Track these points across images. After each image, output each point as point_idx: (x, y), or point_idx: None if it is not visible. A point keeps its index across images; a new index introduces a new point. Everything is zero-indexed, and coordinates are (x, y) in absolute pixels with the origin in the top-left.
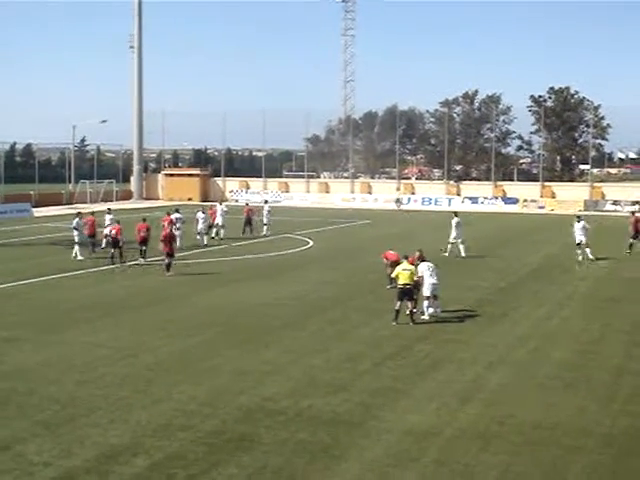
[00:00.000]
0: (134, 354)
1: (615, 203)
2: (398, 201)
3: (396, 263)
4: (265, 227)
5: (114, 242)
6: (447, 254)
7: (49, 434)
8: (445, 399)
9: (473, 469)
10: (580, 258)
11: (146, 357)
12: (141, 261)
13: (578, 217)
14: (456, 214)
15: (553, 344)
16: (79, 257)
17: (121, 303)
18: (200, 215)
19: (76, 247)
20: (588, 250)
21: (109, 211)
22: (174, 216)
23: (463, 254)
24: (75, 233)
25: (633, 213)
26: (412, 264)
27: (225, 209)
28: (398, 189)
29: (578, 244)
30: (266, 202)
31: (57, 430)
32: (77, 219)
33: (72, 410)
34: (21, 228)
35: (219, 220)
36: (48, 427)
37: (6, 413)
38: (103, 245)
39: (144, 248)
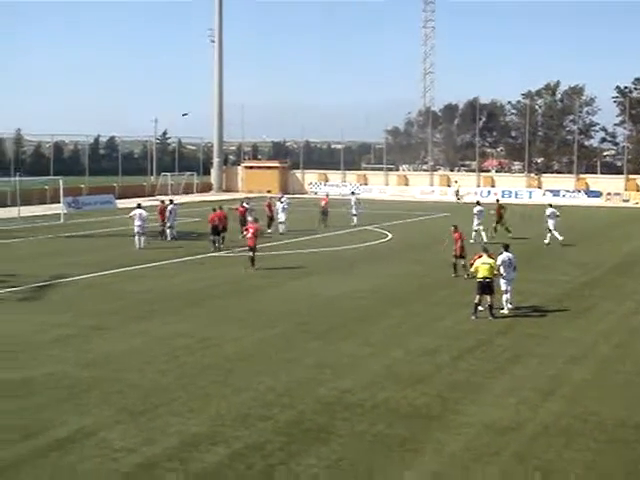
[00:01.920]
0: (214, 344)
1: None
2: (458, 193)
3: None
4: (355, 218)
5: (214, 229)
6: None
7: (132, 421)
8: (525, 394)
9: (555, 466)
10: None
11: (226, 348)
12: (222, 249)
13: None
14: (551, 205)
15: (638, 340)
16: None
17: (201, 294)
18: (279, 205)
19: (136, 238)
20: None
21: (170, 202)
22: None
23: (560, 238)
24: (137, 224)
25: None
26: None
27: (286, 205)
28: (456, 182)
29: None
30: (353, 193)
31: (139, 418)
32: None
33: (154, 398)
34: (105, 219)
35: (281, 216)
36: (131, 414)
37: (91, 400)
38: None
39: (219, 237)
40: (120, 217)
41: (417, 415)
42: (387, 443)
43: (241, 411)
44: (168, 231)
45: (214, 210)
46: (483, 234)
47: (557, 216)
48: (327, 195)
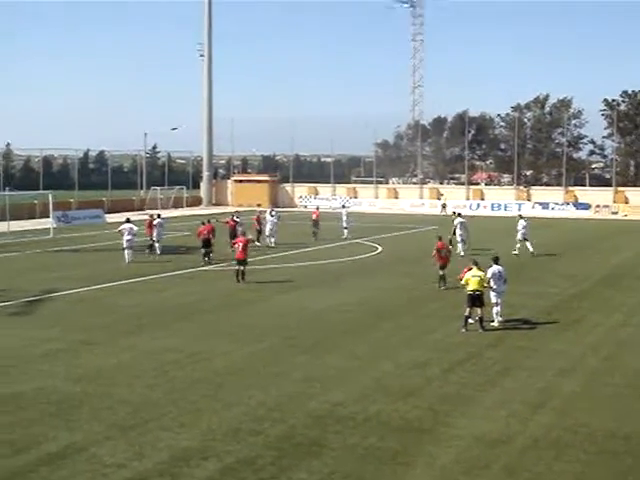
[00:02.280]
0: (203, 359)
1: None
2: (444, 207)
3: (439, 251)
4: (345, 231)
5: (205, 242)
6: (517, 252)
7: (122, 437)
8: (516, 407)
9: (545, 478)
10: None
11: (215, 362)
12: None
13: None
14: (521, 217)
15: (626, 352)
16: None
17: (190, 308)
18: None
19: (126, 252)
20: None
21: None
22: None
23: (530, 249)
24: (127, 238)
25: None
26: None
27: (276, 220)
28: (442, 195)
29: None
30: (344, 207)
31: (129, 433)
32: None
33: (144, 413)
34: (94, 234)
35: (269, 229)
36: (121, 430)
37: (81, 416)
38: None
39: (209, 250)
40: (109, 232)
41: (408, 428)
42: (379, 456)
43: (232, 425)
44: (157, 245)
45: (203, 224)
46: (460, 246)
47: (524, 227)
48: (317, 208)
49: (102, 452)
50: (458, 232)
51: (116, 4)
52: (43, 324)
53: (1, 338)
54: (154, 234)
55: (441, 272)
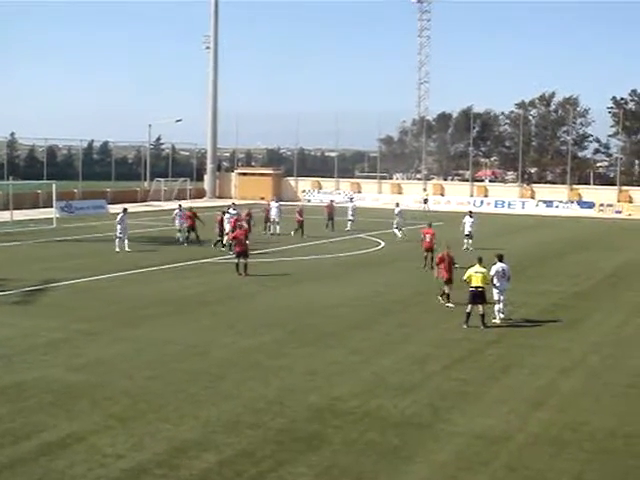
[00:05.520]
0: (204, 351)
1: None
2: (426, 202)
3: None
4: (349, 223)
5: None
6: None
7: (121, 427)
8: (516, 404)
9: (545, 476)
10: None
11: (216, 354)
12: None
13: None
14: (470, 213)
15: (628, 351)
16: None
17: (193, 300)
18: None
19: (116, 241)
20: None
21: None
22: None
23: (470, 248)
24: (118, 227)
25: None
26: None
27: (278, 205)
28: (425, 189)
29: (467, 235)
30: (351, 200)
31: (129, 423)
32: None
33: (143, 404)
34: (97, 224)
35: (274, 216)
36: (120, 420)
37: (81, 406)
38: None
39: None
40: (112, 222)
41: (408, 423)
42: (378, 451)
43: (231, 418)
44: (179, 235)
45: (224, 213)
46: (397, 232)
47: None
48: (331, 201)
49: (102, 442)
50: (467, 229)
51: None
52: (45, 314)
53: (2, 327)
54: (176, 224)
55: (429, 255)
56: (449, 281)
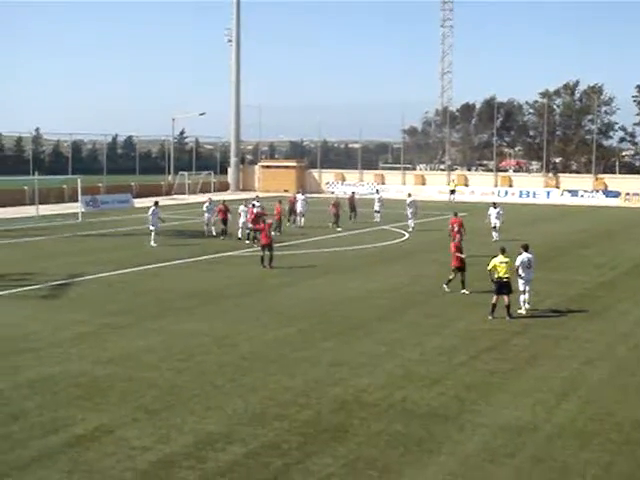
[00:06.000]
0: (230, 343)
1: None
2: (453, 192)
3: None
4: (377, 215)
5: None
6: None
7: (149, 419)
8: (542, 395)
9: (571, 467)
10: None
11: (242, 346)
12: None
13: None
14: (495, 205)
15: None
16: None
17: (218, 292)
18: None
19: (152, 235)
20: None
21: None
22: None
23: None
24: (151, 220)
25: None
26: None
27: (304, 198)
28: (453, 180)
29: (493, 227)
30: (377, 192)
31: (156, 416)
32: (153, 207)
33: (170, 397)
34: (122, 218)
35: (300, 208)
36: (147, 413)
37: (109, 398)
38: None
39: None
40: (137, 216)
41: (434, 415)
42: (404, 443)
43: (258, 410)
44: (206, 228)
45: (253, 206)
46: (410, 223)
47: (500, 214)
48: (353, 193)
49: (129, 435)
50: (493, 221)
51: None
52: (72, 307)
53: (30, 321)
54: (205, 218)
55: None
56: (458, 269)
